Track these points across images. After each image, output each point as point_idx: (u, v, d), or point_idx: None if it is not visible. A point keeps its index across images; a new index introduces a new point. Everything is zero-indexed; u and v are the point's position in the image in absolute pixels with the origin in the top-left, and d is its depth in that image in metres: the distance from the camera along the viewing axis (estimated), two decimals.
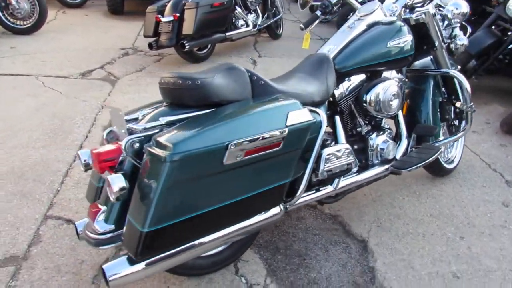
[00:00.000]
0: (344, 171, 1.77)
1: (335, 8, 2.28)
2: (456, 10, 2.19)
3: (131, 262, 1.34)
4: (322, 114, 1.60)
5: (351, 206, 2.27)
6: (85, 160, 1.46)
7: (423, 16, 2.10)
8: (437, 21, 2.15)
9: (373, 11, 2.04)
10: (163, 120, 1.41)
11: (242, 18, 4.90)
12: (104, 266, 1.31)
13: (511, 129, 3.19)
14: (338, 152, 1.73)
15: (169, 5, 4.23)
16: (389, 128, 2.12)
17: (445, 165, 2.52)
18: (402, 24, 2.01)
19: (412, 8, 2.13)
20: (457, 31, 2.22)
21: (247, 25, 4.93)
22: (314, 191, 1.78)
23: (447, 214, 2.26)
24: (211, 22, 4.28)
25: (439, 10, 2.25)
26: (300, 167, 1.60)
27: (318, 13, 2.26)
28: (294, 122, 1.43)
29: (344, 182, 1.87)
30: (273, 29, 5.62)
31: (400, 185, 2.49)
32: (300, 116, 1.45)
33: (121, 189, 1.25)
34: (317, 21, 2.28)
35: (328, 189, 1.82)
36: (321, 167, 1.68)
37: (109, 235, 1.40)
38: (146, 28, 4.37)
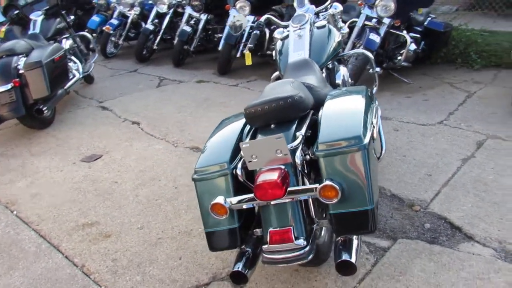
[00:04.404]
0: None
1: (264, 26, 2.78)
2: (335, 10, 3.03)
3: (349, 244, 1.57)
4: None
5: None
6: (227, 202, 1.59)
7: (327, 17, 2.85)
8: (334, 19, 2.94)
9: (307, 21, 2.65)
10: (299, 134, 1.65)
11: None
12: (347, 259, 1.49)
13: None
14: None
15: None
16: None
17: None
18: (330, 26, 2.70)
19: (317, 14, 2.85)
20: (341, 23, 3.08)
21: (74, 75, 4.60)
22: None
23: None
24: (57, 78, 3.88)
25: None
26: None
27: (257, 32, 2.71)
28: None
29: None
30: (89, 74, 5.34)
31: None
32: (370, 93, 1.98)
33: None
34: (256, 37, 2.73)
35: None
36: None
37: (309, 246, 1.56)
38: None
